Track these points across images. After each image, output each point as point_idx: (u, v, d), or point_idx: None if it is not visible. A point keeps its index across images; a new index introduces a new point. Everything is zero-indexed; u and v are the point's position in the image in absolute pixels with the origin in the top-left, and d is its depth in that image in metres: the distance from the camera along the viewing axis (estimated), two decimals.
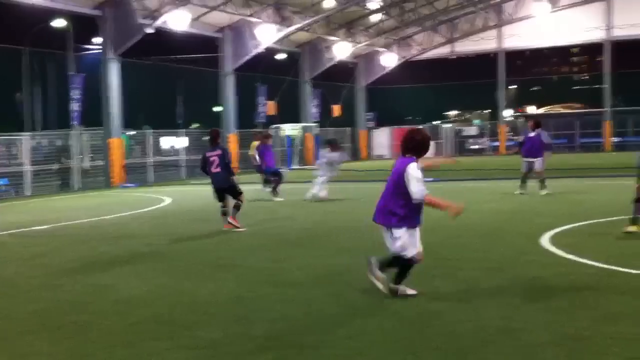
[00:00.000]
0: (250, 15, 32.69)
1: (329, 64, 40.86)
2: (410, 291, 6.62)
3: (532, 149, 16.70)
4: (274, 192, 18.18)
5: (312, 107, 41.80)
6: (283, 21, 34.16)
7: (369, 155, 47.76)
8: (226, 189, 12.40)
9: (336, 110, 43.91)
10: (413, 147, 6.65)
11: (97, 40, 30.74)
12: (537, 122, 17.37)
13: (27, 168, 24.74)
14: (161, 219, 15.28)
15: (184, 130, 35.86)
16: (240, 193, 12.42)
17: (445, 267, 8.15)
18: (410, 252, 6.48)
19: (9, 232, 13.41)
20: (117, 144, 27.75)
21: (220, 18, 32.49)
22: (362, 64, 46.72)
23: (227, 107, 34.77)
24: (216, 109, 38.33)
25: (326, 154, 17.55)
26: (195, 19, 30.15)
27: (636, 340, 5.09)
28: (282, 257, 9.45)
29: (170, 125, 36.52)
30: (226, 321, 6.14)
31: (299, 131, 39.95)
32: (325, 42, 40.10)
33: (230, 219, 12.19)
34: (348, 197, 17.94)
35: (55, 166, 26.29)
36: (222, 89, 34.59)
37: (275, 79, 39.80)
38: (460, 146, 48.43)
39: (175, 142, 34.34)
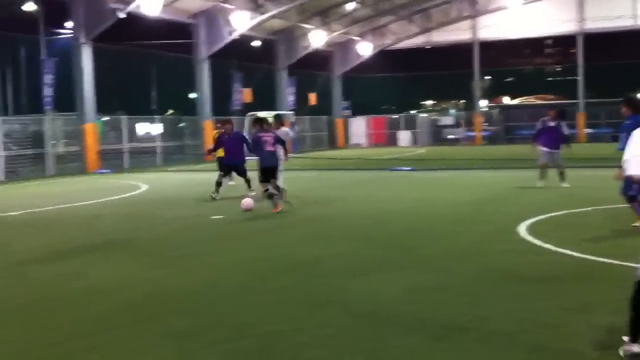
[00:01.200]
0: (224, 2, 32.40)
1: (304, 52, 40.73)
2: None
3: (552, 139, 15.72)
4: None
5: (288, 95, 41.68)
6: (257, 8, 33.91)
7: (345, 144, 47.84)
8: (274, 168, 12.74)
9: (312, 98, 43.81)
10: None
11: (69, 24, 30.28)
12: (559, 112, 16.84)
13: (0, 153, 24.40)
14: (136, 206, 15.11)
15: (159, 117, 35.53)
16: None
17: (416, 256, 8.16)
18: None
19: None
20: (91, 129, 27.42)
21: (193, 4, 32.14)
22: (338, 53, 46.63)
23: (202, 94, 34.48)
24: (192, 95, 38.04)
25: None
26: (167, 5, 29.78)
27: (609, 329, 5.12)
28: (255, 245, 9.40)
29: (145, 112, 36.15)
30: (199, 309, 6.08)
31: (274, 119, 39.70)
32: (300, 30, 39.93)
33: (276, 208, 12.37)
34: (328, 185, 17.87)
35: (29, 151, 25.93)
36: (197, 75, 34.30)
37: (250, 67, 39.56)
38: (436, 136, 48.63)
39: (150, 128, 34.03)
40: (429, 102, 70.31)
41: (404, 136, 48.07)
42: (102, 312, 6.09)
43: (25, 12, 31.71)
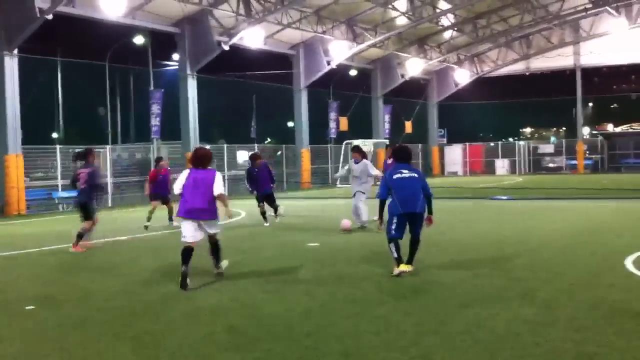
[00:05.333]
0: (323, 33, 33.06)
1: (400, 80, 40.86)
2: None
3: None
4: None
5: (383, 123, 41.84)
6: (355, 38, 34.38)
7: (442, 172, 47.47)
8: (82, 205, 12.37)
9: (408, 126, 43.80)
10: None
11: (175, 56, 31.68)
12: None
13: (109, 180, 25.66)
14: (246, 235, 15.47)
15: (261, 145, 36.45)
16: (91, 218, 12.32)
17: (521, 288, 7.99)
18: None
19: (91, 242, 13.83)
20: None
21: (293, 35, 32.97)
22: (435, 81, 46.53)
23: (299, 122, 35.18)
24: (290, 124, 38.88)
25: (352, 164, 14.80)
26: (269, 36, 30.68)
27: None
28: (344, 272, 9.47)
29: (244, 140, 37.22)
30: (298, 335, 6.14)
31: (370, 147, 39.96)
32: (397, 58, 40.13)
33: (75, 247, 12.23)
34: None
35: (135, 178, 27.17)
36: (295, 105, 35.04)
37: (346, 95, 40.08)
38: (536, 164, 47.50)
39: (246, 156, 34.92)
40: (528, 130, 68.69)
41: (501, 164, 47.19)
42: (206, 334, 6.26)
43: (135, 45, 33.49)
